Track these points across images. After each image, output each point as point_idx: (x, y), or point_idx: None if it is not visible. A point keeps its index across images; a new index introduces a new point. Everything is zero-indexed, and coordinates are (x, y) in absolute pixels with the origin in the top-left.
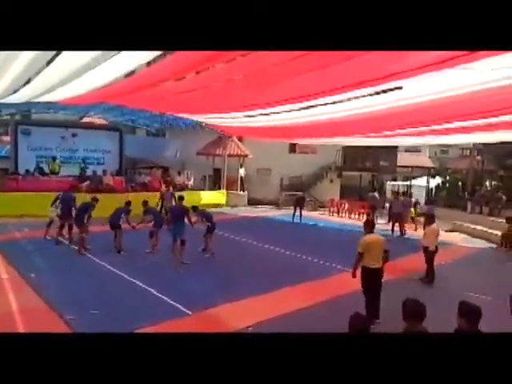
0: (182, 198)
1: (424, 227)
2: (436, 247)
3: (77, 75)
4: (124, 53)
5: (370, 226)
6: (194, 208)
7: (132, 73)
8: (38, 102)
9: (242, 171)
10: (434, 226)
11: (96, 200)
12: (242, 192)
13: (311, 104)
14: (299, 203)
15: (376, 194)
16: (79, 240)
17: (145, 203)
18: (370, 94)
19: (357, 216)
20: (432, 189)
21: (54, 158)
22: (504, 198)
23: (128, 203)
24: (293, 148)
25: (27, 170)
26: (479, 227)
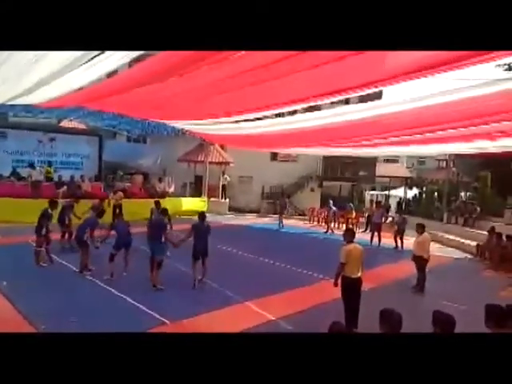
0: (165, 212)
1: (395, 236)
2: (428, 256)
3: (54, 77)
4: (105, 54)
5: (350, 235)
6: (202, 216)
7: (112, 74)
8: (15, 105)
9: (224, 178)
10: (426, 234)
11: (54, 204)
12: (223, 199)
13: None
14: (281, 209)
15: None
16: (34, 253)
17: (114, 214)
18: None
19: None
20: (409, 199)
21: (49, 164)
22: (478, 209)
23: (99, 211)
24: (274, 156)
25: (0, 175)
26: (454, 237)
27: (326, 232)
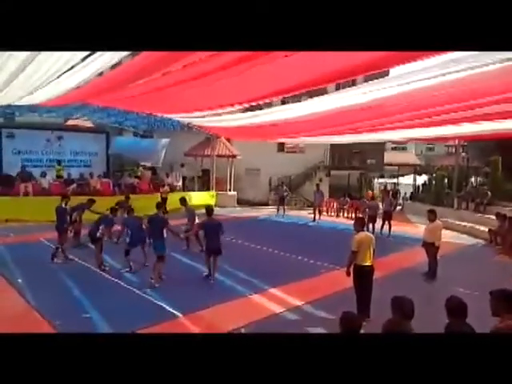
0: (160, 206)
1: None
2: (439, 243)
3: (54, 75)
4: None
5: (360, 224)
6: (209, 211)
7: (116, 65)
8: (21, 105)
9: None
10: (438, 221)
11: (65, 199)
12: (231, 192)
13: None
14: (281, 200)
15: None
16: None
17: (117, 206)
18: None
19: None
20: (418, 186)
21: (59, 163)
22: (489, 193)
23: (114, 209)
24: (281, 147)
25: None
26: (465, 223)
27: (313, 220)
